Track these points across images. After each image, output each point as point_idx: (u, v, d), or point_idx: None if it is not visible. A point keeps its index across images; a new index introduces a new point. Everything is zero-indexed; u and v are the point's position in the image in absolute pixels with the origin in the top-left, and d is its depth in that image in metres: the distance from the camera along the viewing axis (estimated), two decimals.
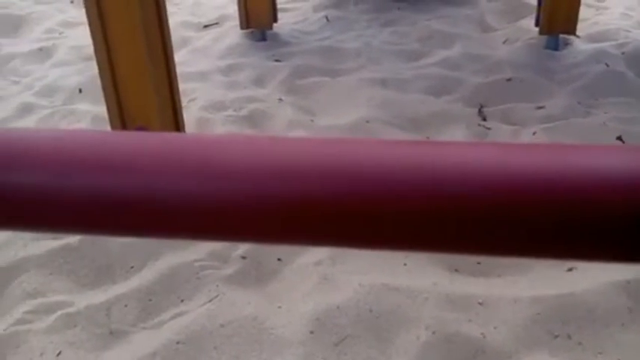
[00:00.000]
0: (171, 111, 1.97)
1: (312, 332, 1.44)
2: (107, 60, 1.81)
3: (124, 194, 0.44)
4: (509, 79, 2.85)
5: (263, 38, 3.33)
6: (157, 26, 1.83)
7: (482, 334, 1.46)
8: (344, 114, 2.56)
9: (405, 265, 1.70)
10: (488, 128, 2.47)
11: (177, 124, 2.01)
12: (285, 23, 3.57)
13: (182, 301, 1.60)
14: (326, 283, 1.60)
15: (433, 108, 2.63)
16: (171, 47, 1.93)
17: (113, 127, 1.93)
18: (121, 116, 1.90)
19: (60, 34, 3.70)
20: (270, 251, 1.75)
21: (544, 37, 3.20)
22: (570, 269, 1.71)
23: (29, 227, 0.49)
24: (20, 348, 1.45)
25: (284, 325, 1.47)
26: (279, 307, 1.55)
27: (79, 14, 4.07)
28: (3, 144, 0.49)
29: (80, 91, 2.86)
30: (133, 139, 0.47)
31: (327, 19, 3.65)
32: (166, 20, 1.89)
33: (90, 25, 1.79)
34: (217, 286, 1.62)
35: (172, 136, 0.47)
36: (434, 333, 1.45)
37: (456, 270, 1.71)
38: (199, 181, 0.43)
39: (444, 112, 2.59)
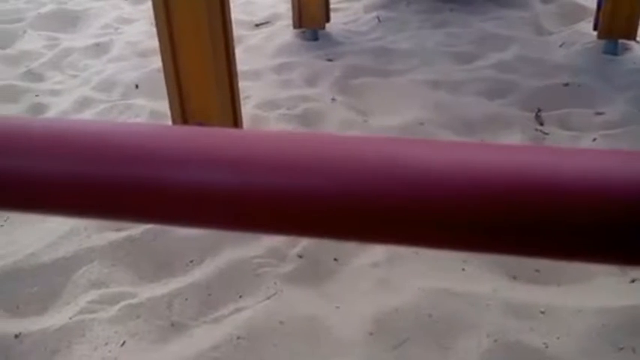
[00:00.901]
0: (230, 108, 1.99)
1: (371, 334, 1.44)
2: (171, 56, 1.85)
3: (179, 186, 0.45)
4: (566, 84, 2.79)
5: (315, 38, 3.34)
6: (221, 24, 1.86)
7: (544, 343, 1.44)
8: (397, 115, 2.55)
9: (463, 270, 1.68)
10: (546, 133, 2.42)
11: (236, 122, 2.04)
12: (336, 23, 3.57)
13: (240, 296, 1.62)
14: (384, 286, 1.59)
15: (487, 111, 2.59)
16: (233, 45, 1.96)
17: (174, 121, 1.97)
18: (183, 111, 1.93)
19: (115, 30, 3.78)
20: (327, 251, 1.76)
21: (602, 42, 3.12)
22: (633, 280, 1.67)
23: (114, 217, 0.51)
24: (85, 337, 1.49)
25: (343, 325, 1.47)
26: (337, 307, 1.55)
27: (134, 11, 4.16)
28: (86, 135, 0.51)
29: (137, 86, 2.92)
30: (190, 134, 0.48)
31: (379, 20, 3.64)
32: (230, 18, 1.92)
33: (156, 20, 1.83)
34: (275, 283, 1.63)
35: (229, 131, 0.48)
36: (495, 341, 1.43)
37: (515, 277, 1.69)
38: (251, 175, 0.44)
39: (498, 116, 2.56)
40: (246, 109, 2.60)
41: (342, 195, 0.42)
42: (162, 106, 2.76)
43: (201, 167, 0.45)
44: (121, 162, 0.47)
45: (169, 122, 2.53)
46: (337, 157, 0.43)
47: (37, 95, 2.89)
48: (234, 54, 1.97)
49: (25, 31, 3.73)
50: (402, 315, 1.48)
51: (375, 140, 0.45)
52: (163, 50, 1.84)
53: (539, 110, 2.59)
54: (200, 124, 1.97)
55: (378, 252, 1.74)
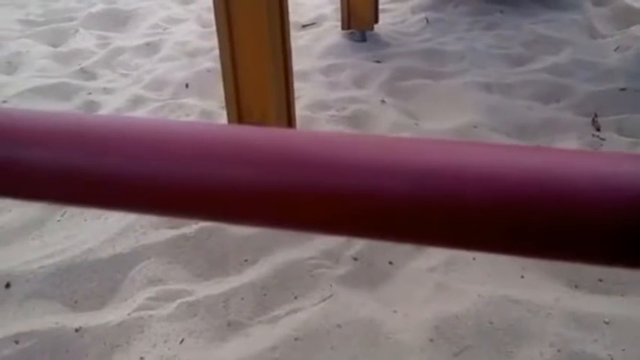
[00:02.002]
0: (285, 108, 1.99)
1: (431, 340, 1.42)
2: (229, 55, 1.85)
3: (235, 184, 0.46)
4: (623, 89, 2.71)
5: (363, 39, 3.32)
6: (280, 24, 1.86)
7: (609, 355, 1.39)
8: (449, 118, 2.51)
9: (522, 277, 1.65)
10: (603, 139, 2.36)
11: (290, 122, 2.03)
12: (384, 24, 3.54)
13: (296, 297, 1.61)
14: (443, 291, 1.57)
15: (542, 115, 2.53)
16: (290, 45, 1.95)
17: (230, 120, 1.97)
18: (239, 110, 1.93)
19: (164, 29, 3.83)
20: (381, 254, 1.74)
21: None
22: None
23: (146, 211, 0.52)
24: (144, 333, 1.50)
25: (402, 330, 1.45)
26: (395, 311, 1.53)
27: (182, 11, 4.21)
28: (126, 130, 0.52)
29: (187, 85, 2.95)
30: (246, 133, 0.49)
31: (427, 21, 3.60)
32: (288, 18, 1.92)
33: (216, 19, 1.84)
34: (331, 285, 1.62)
35: (284, 131, 0.49)
36: (559, 351, 1.39)
37: (576, 286, 1.64)
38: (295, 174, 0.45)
39: (553, 120, 2.50)
40: (296, 110, 2.60)
41: (397, 197, 0.43)
42: (212, 105, 2.79)
43: (256, 166, 0.45)
44: (178, 159, 0.48)
45: (219, 121, 2.55)
46: (392, 158, 0.43)
47: (89, 93, 2.95)
48: (290, 54, 1.97)
49: (76, 30, 3.81)
50: (462, 321, 1.45)
51: (429, 143, 0.45)
52: (222, 49, 1.85)
53: (595, 115, 2.52)
54: (258, 124, 1.98)
55: (434, 256, 1.72)
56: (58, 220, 2.00)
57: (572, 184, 0.39)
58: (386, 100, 2.70)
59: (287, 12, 1.91)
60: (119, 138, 0.50)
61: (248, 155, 0.46)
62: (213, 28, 3.78)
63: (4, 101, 2.83)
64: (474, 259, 1.70)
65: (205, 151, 0.48)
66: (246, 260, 1.77)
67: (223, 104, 2.81)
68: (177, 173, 0.48)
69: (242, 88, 1.91)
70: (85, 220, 1.99)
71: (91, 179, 0.50)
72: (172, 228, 1.87)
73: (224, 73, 1.90)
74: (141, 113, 2.70)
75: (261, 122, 1.93)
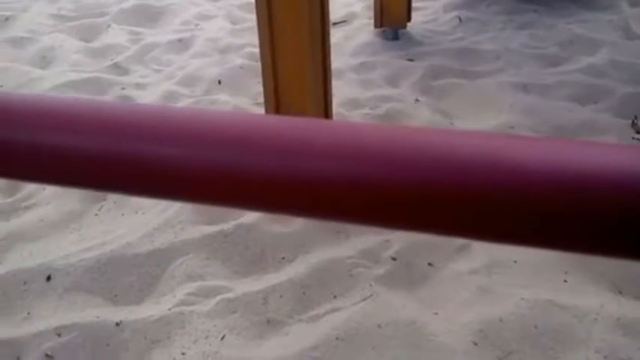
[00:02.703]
0: (323, 104, 1.98)
1: (475, 344, 1.40)
2: (270, 49, 1.85)
3: (272, 173, 0.47)
4: None
5: (395, 37, 3.30)
6: (321, 21, 1.85)
7: None
8: (485, 118, 2.48)
9: (565, 281, 1.62)
10: None
11: (327, 116, 2.03)
12: (416, 22, 3.51)
13: (335, 297, 1.60)
14: (485, 294, 1.54)
15: (580, 117, 2.49)
16: (329, 42, 1.94)
17: (267, 112, 1.97)
18: (277, 105, 1.93)
19: (195, 26, 3.84)
20: (420, 254, 1.72)
21: None
22: None
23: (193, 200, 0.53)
24: (185, 328, 1.50)
25: (445, 333, 1.43)
26: (436, 313, 1.51)
27: (212, 8, 4.22)
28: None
29: (219, 82, 2.96)
30: (284, 123, 0.49)
31: (460, 20, 3.56)
32: (328, 14, 1.91)
33: (257, 12, 1.83)
34: (370, 285, 1.61)
35: (321, 122, 0.49)
36: (605, 357, 1.37)
37: (620, 292, 1.61)
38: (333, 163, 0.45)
39: (591, 122, 2.45)
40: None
41: (435, 188, 0.43)
42: (245, 102, 2.79)
43: (293, 156, 0.46)
44: (219, 148, 0.48)
45: None
46: (428, 149, 0.44)
47: (123, 88, 2.96)
48: (329, 51, 1.96)
49: (109, 25, 3.84)
50: (506, 325, 1.43)
51: (465, 135, 0.45)
52: (262, 45, 1.85)
53: (635, 117, 2.47)
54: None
55: (474, 259, 1.69)
56: (96, 214, 2.02)
57: (588, 174, 0.40)
58: (420, 98, 2.68)
59: (328, 9, 1.90)
60: (160, 126, 0.51)
61: (280, 144, 0.47)
62: (244, 25, 3.80)
63: (123, 88, 2.90)
64: (515, 262, 1.67)
65: (244, 141, 0.48)
66: (283, 258, 1.76)
67: (256, 101, 2.82)
68: (216, 161, 0.48)
69: (281, 84, 1.90)
70: (123, 215, 2.00)
71: (134, 167, 0.51)
72: (210, 224, 1.87)
73: (263, 69, 1.90)
74: None
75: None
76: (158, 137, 0.50)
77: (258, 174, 0.47)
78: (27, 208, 2.06)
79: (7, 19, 4.05)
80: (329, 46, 1.96)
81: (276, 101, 1.92)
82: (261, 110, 2.71)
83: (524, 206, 0.42)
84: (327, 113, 2.03)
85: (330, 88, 2.04)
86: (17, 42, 3.64)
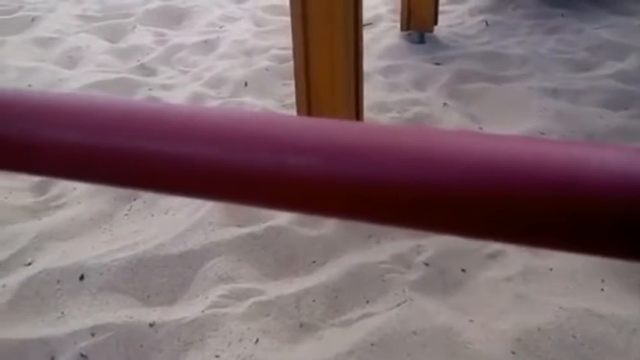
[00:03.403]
0: (354, 105, 1.98)
1: (513, 353, 1.38)
2: (303, 52, 1.84)
3: (303, 174, 0.47)
4: None
5: (421, 40, 3.28)
6: (354, 20, 1.84)
7: None
8: (514, 123, 2.45)
9: (602, 290, 1.59)
10: None
11: (358, 119, 2.02)
12: (441, 26, 3.49)
13: (368, 302, 1.59)
14: (522, 302, 1.52)
15: (611, 123, 2.46)
16: (362, 44, 1.94)
17: (299, 114, 1.97)
18: (308, 105, 1.92)
19: (220, 27, 3.85)
20: (453, 260, 1.71)
21: None
22: None
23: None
24: (218, 331, 1.50)
25: (482, 341, 1.42)
26: (471, 320, 1.50)
27: (237, 9, 4.23)
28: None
29: (246, 84, 2.96)
30: (316, 125, 0.49)
31: (487, 24, 3.54)
32: (361, 14, 1.90)
33: (292, 13, 1.83)
34: (404, 291, 1.59)
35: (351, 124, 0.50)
36: None
37: None
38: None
39: (624, 129, 2.42)
40: None
41: (465, 190, 0.43)
42: (271, 104, 2.79)
43: (323, 157, 0.46)
44: (253, 148, 0.48)
45: None
46: (457, 151, 0.44)
47: (150, 89, 2.98)
48: (362, 54, 1.95)
49: (134, 26, 3.86)
50: (545, 335, 1.41)
51: (505, 139, 0.45)
52: (296, 45, 1.84)
53: None
54: None
55: (508, 266, 1.67)
56: (126, 214, 2.02)
57: (589, 175, 0.40)
58: (448, 103, 2.66)
59: (361, 10, 1.89)
60: (189, 126, 0.51)
61: (311, 145, 0.47)
62: (268, 27, 3.81)
63: (150, 89, 2.93)
64: (550, 269, 1.65)
65: (277, 141, 0.48)
66: (314, 261, 1.75)
67: (282, 103, 2.82)
68: (250, 162, 0.48)
69: (313, 85, 1.90)
70: (152, 215, 2.00)
71: (172, 166, 0.51)
72: (240, 226, 1.87)
73: (296, 70, 1.90)
74: None
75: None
76: (196, 137, 0.50)
77: (293, 174, 0.47)
78: (57, 207, 2.07)
79: (33, 19, 4.09)
80: (362, 48, 1.95)
81: (308, 103, 1.92)
82: (289, 112, 2.71)
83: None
84: (358, 116, 2.02)
85: (362, 90, 2.03)
86: (44, 42, 3.68)
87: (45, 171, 0.59)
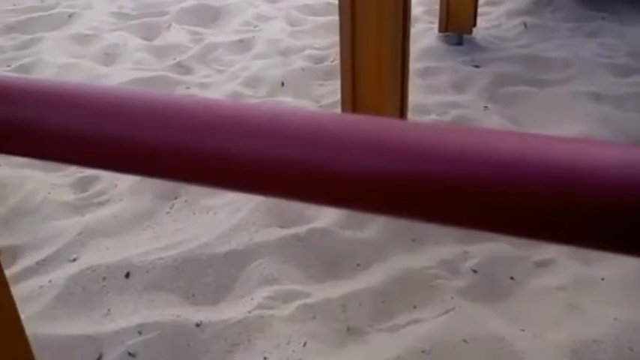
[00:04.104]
0: (399, 104, 1.95)
1: None
2: (350, 52, 1.83)
3: (346, 171, 0.48)
4: None
5: (459, 42, 3.24)
6: (402, 20, 1.82)
7: None
8: (559, 128, 2.41)
9: None
10: None
11: (402, 117, 2.00)
12: (478, 28, 3.44)
13: (415, 307, 1.57)
14: (575, 312, 1.49)
15: None
16: (409, 45, 1.91)
17: (344, 111, 1.96)
18: (354, 104, 1.91)
19: (255, 27, 3.85)
20: (502, 267, 1.67)
21: None
22: None
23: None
24: (265, 332, 1.49)
25: (535, 351, 1.38)
26: (523, 330, 1.47)
27: (270, 9, 4.23)
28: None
29: (282, 84, 2.95)
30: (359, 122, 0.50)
31: (526, 26, 3.48)
32: (410, 13, 1.88)
33: (340, 10, 1.81)
34: (452, 297, 1.57)
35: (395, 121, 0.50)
36: None
37: None
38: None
39: None
40: None
41: (509, 188, 0.43)
42: (308, 104, 2.78)
43: (367, 154, 0.47)
44: (302, 145, 0.49)
45: None
46: (500, 151, 0.44)
47: (187, 87, 2.98)
48: (409, 54, 1.92)
49: (170, 25, 3.88)
50: (600, 346, 1.38)
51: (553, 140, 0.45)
52: (343, 43, 1.83)
53: None
54: None
55: (559, 274, 1.64)
56: (167, 212, 2.02)
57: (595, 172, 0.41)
58: (488, 106, 2.62)
59: (410, 12, 1.87)
60: (236, 122, 0.52)
61: (354, 143, 0.47)
62: (303, 27, 3.80)
63: (187, 87, 2.94)
64: (602, 279, 1.61)
65: (319, 138, 0.49)
66: (358, 265, 1.74)
67: (319, 103, 2.81)
68: (298, 158, 0.49)
69: (359, 84, 1.88)
70: (194, 214, 2.00)
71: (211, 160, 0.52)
72: (283, 227, 1.86)
73: (342, 68, 1.88)
74: None
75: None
76: (249, 133, 0.51)
77: (341, 171, 0.48)
78: (100, 204, 2.08)
79: (70, 15, 4.14)
80: (408, 47, 1.92)
81: (353, 101, 1.90)
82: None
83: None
84: (402, 117, 2.00)
85: (407, 91, 2.01)
86: (81, 39, 3.71)
87: (96, 163, 0.60)
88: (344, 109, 1.95)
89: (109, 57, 3.46)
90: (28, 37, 3.75)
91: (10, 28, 4.00)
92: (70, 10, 4.18)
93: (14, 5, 4.45)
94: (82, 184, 2.21)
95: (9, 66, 3.33)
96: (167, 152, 0.53)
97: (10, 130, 0.59)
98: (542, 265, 1.68)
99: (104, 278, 1.67)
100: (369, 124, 0.49)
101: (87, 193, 2.14)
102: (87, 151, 0.58)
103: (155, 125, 0.54)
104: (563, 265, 1.66)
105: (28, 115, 0.59)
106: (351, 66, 1.85)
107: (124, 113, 0.56)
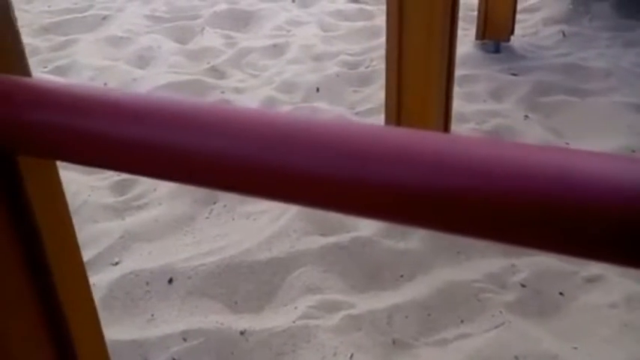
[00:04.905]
0: (444, 113, 1.93)
1: None
2: (397, 60, 1.81)
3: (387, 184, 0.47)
4: None
5: (497, 50, 3.20)
6: (450, 25, 1.79)
7: None
8: (602, 140, 2.36)
9: None
10: None
11: (446, 128, 1.97)
12: (515, 36, 3.40)
13: (462, 321, 1.54)
14: (629, 332, 1.45)
15: None
16: (455, 53, 1.89)
17: (387, 122, 1.93)
18: (398, 112, 1.88)
19: (287, 32, 3.84)
20: (550, 282, 1.64)
21: None
22: None
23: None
24: (311, 343, 1.47)
25: None
26: (575, 347, 1.43)
27: (302, 14, 4.22)
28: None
29: (317, 89, 2.94)
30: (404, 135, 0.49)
31: (564, 34, 3.43)
32: (457, 21, 1.85)
33: (387, 19, 1.80)
34: (501, 312, 1.54)
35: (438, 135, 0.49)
36: None
37: None
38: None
39: None
40: None
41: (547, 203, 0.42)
42: (343, 110, 2.76)
43: (408, 167, 0.47)
44: (346, 157, 0.49)
45: None
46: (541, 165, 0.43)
47: (222, 92, 2.98)
48: (455, 61, 1.90)
49: (203, 28, 3.89)
50: None
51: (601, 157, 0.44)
52: (390, 50, 1.81)
53: None
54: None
55: (610, 291, 1.60)
56: (207, 218, 2.02)
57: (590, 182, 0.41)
58: (529, 115, 2.58)
59: (457, 17, 1.84)
60: (274, 132, 0.52)
61: (398, 156, 0.47)
62: (336, 32, 3.79)
63: (222, 92, 2.95)
64: None
65: (364, 151, 0.48)
66: (401, 276, 1.71)
67: (355, 110, 2.79)
68: (341, 170, 0.49)
69: (405, 92, 1.86)
70: (234, 219, 1.99)
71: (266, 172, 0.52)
72: (324, 235, 1.84)
73: (388, 75, 1.86)
74: None
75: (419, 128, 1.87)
76: (293, 144, 0.51)
77: (386, 184, 0.47)
78: (139, 207, 2.09)
79: (104, 18, 4.17)
80: (455, 54, 1.90)
81: (398, 108, 1.88)
82: (362, 119, 2.68)
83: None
84: (446, 126, 1.97)
85: (452, 97, 1.98)
86: (116, 41, 3.74)
87: (136, 169, 0.61)
88: (388, 115, 1.93)
89: (143, 60, 3.48)
90: (63, 38, 3.79)
91: (45, 30, 4.05)
92: (105, 13, 4.22)
93: (49, 7, 4.51)
94: (121, 187, 2.21)
95: (45, 67, 3.36)
96: (210, 161, 0.54)
97: (65, 136, 0.59)
98: (592, 280, 1.64)
99: (147, 283, 1.67)
100: (414, 137, 0.49)
101: (126, 197, 2.14)
102: (133, 159, 0.59)
103: (204, 134, 0.54)
104: (613, 282, 1.62)
105: (77, 122, 0.59)
106: (396, 72, 1.83)
107: (176, 123, 0.56)
